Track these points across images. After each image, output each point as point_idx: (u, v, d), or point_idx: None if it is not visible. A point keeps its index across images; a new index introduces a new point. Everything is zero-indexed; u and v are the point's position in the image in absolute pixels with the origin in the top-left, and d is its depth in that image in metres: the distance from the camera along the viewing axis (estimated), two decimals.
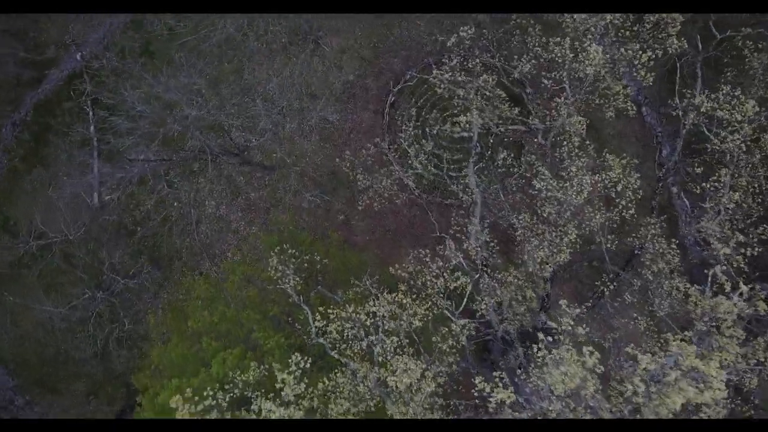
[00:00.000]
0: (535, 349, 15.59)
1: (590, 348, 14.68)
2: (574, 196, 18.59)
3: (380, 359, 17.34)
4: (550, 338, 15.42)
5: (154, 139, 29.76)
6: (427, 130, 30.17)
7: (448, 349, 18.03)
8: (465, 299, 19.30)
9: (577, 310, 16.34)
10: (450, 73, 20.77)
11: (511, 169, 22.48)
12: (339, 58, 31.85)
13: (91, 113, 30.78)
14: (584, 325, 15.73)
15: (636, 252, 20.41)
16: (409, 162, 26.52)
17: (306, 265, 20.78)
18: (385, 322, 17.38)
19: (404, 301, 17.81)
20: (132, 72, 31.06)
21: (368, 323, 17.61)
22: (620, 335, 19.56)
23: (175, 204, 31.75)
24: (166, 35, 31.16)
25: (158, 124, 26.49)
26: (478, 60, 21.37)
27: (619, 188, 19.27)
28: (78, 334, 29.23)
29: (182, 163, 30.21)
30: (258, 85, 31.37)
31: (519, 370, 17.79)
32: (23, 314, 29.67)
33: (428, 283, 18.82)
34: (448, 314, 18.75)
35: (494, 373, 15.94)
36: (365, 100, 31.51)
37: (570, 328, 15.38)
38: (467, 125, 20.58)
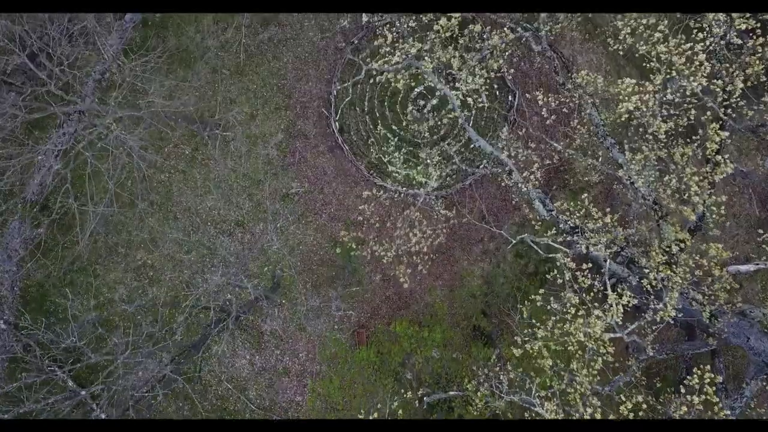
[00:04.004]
0: None
1: None
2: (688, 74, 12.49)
3: None
4: None
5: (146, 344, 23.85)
6: (410, 134, 24.07)
7: None
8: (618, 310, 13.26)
9: None
10: (401, 50, 14.58)
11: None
12: (252, 126, 25.59)
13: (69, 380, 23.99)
14: None
15: None
16: (423, 182, 20.24)
17: (409, 407, 14.78)
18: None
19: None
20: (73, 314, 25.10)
21: None
22: None
23: (210, 387, 26.08)
24: (61, 255, 24.81)
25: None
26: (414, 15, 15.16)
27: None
28: None
29: (182, 354, 24.33)
30: (197, 218, 25.28)
31: None
32: None
33: (589, 330, 12.63)
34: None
35: None
36: (312, 146, 25.33)
37: None
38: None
